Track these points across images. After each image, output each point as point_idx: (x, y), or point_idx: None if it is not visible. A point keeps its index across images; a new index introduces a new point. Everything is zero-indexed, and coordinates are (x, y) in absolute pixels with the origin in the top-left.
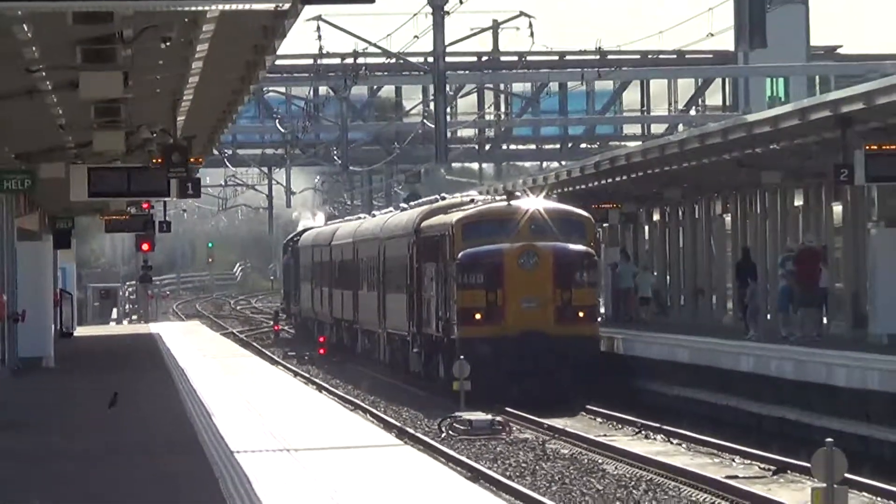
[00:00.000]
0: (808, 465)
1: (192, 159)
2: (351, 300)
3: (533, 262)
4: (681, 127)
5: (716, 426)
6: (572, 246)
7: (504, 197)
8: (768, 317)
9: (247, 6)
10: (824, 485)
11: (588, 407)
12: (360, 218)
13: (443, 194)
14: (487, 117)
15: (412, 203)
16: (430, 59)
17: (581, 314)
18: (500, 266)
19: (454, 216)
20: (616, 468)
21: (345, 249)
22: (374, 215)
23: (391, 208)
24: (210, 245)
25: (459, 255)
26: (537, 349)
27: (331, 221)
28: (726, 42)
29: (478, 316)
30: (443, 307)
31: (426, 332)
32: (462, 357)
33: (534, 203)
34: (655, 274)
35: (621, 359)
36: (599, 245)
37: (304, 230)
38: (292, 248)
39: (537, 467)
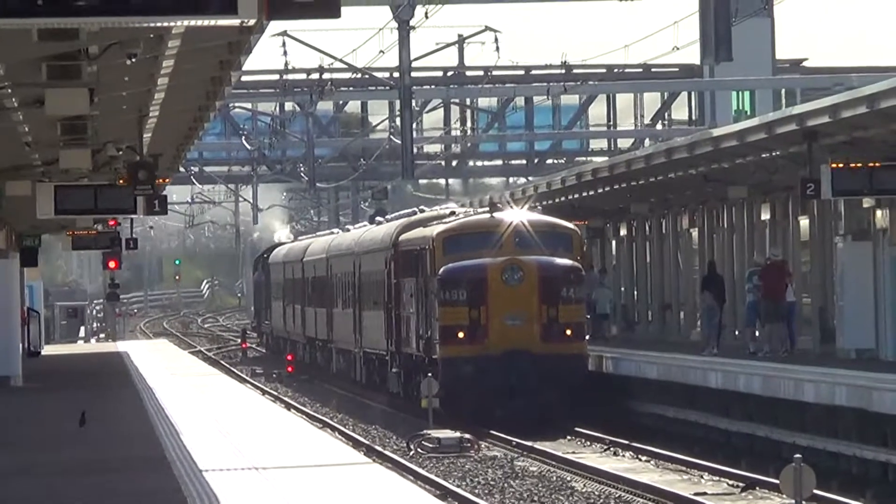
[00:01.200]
0: (777, 481)
1: (158, 177)
2: (325, 318)
3: (517, 277)
4: (647, 141)
5: (684, 443)
6: (558, 260)
7: (486, 209)
8: (737, 333)
9: (212, 22)
10: (793, 501)
11: (577, 430)
12: (332, 233)
13: (421, 207)
14: (454, 133)
15: (388, 216)
16: (396, 75)
17: (568, 331)
18: (483, 281)
19: (434, 229)
20: (584, 486)
21: (318, 265)
22: (348, 230)
23: (365, 223)
24: (177, 262)
25: (440, 270)
26: (522, 368)
27: (301, 237)
28: (692, 56)
29: (460, 334)
30: (423, 325)
31: (405, 351)
32: (430, 375)
33: (518, 215)
34: (624, 289)
35: (593, 375)
36: (586, 259)
37: (275, 246)
38: (263, 265)
39: (506, 485)
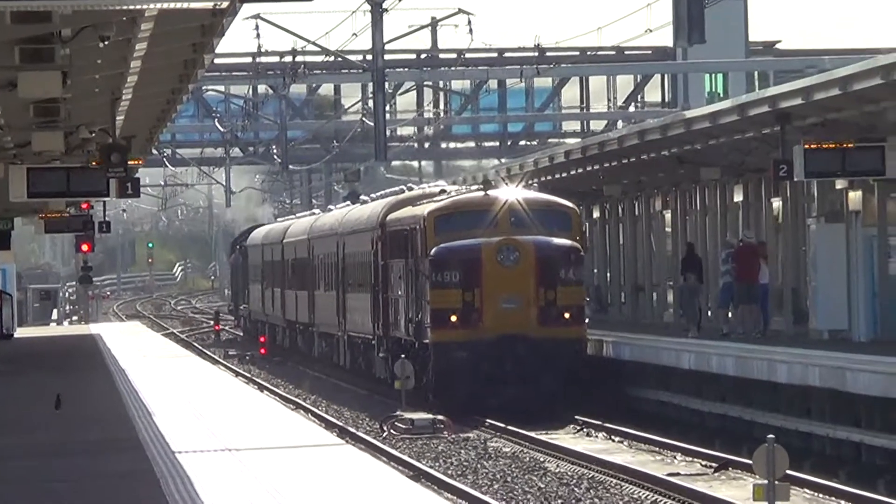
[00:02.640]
0: (750, 461)
1: (131, 159)
2: (306, 301)
3: (513, 257)
4: (620, 123)
5: (658, 423)
6: (556, 240)
7: (479, 186)
8: (709, 314)
9: (185, 5)
10: (766, 481)
11: (577, 418)
12: (313, 213)
13: (409, 185)
14: (426, 115)
15: (373, 195)
16: (369, 57)
17: (567, 315)
18: (477, 262)
19: (425, 208)
20: (558, 466)
21: (298, 247)
22: (330, 210)
23: (348, 202)
24: (150, 245)
25: (432, 250)
26: (518, 354)
27: (280, 219)
28: (665, 38)
29: (453, 318)
30: (413, 308)
31: (394, 336)
32: (403, 357)
33: (513, 193)
34: (597, 271)
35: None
36: (586, 238)
37: (253, 227)
38: (240, 247)
39: (479, 466)
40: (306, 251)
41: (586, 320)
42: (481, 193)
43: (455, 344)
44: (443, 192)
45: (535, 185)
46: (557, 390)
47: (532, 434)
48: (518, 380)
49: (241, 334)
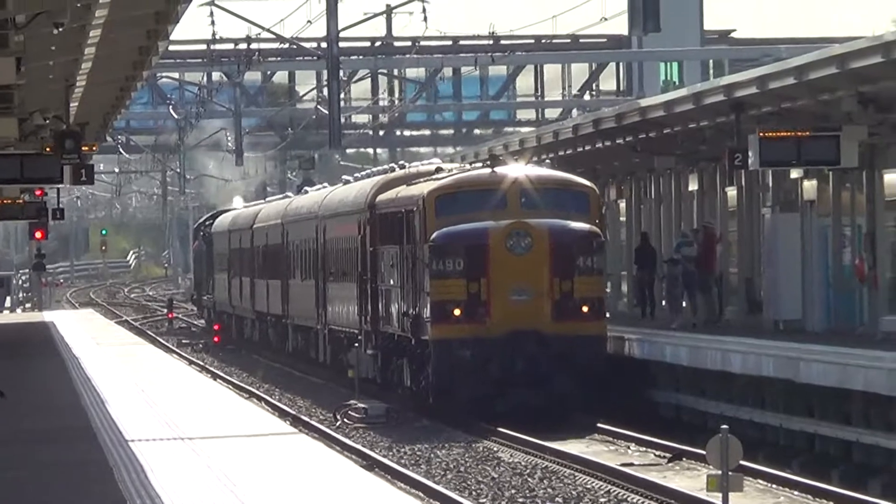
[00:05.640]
0: (704, 452)
1: (85, 146)
2: (279, 291)
3: (525, 243)
4: (575, 112)
5: (611, 413)
6: (573, 224)
7: (486, 163)
8: (663, 303)
9: None
10: (719, 471)
11: (599, 426)
12: (287, 196)
13: (401, 162)
14: (382, 103)
15: (358, 175)
16: (324, 45)
17: (585, 308)
18: (484, 249)
19: (424, 187)
20: (511, 456)
21: (270, 232)
22: (306, 192)
23: (325, 184)
24: (104, 232)
25: (433, 235)
26: (530, 352)
27: (247, 204)
28: (620, 26)
29: (456, 311)
30: (409, 300)
31: (385, 331)
32: (356, 345)
33: (524, 171)
34: None
35: None
36: (606, 222)
37: (218, 213)
38: (204, 233)
39: (432, 455)
40: (279, 237)
41: (606, 315)
42: (487, 171)
43: (458, 341)
44: (438, 169)
45: (549, 161)
46: (574, 393)
47: (485, 424)
48: (529, 382)
49: (203, 325)
